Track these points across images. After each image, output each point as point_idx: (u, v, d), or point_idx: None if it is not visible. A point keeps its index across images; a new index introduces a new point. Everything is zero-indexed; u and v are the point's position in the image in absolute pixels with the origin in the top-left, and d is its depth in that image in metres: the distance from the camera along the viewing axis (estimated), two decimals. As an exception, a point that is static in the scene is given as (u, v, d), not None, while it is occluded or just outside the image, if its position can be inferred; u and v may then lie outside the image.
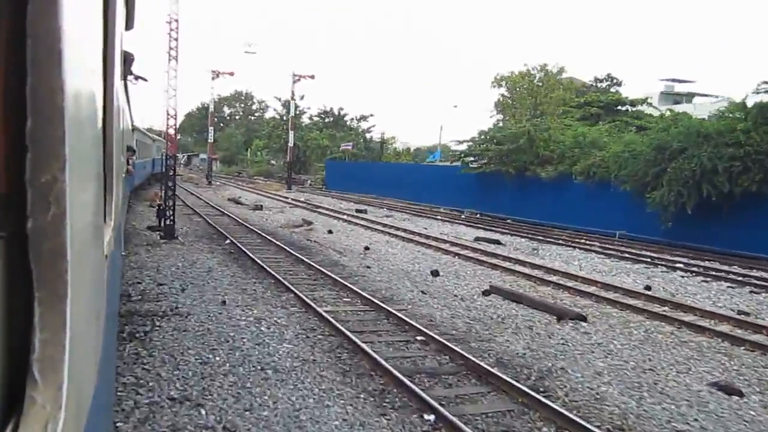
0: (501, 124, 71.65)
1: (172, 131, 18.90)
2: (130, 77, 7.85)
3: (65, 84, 0.95)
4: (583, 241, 23.92)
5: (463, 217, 34.14)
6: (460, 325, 10.57)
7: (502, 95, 53.95)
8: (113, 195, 2.90)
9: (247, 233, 21.78)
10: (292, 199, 39.79)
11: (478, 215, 35.26)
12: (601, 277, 15.64)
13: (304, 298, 11.30)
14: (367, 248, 19.51)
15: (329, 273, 14.06)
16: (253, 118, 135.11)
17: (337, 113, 68.98)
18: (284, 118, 78.80)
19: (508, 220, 32.94)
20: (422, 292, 13.11)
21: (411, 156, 59.72)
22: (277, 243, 19.06)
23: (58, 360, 0.94)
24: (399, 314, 10.53)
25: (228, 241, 18.68)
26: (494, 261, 17.64)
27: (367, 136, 68.81)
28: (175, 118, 18.49)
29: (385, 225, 26.53)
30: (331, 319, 9.88)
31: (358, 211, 33.79)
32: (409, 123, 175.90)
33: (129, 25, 4.42)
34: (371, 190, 47.93)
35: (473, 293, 13.40)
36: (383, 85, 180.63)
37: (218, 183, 56.27)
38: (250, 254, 16.19)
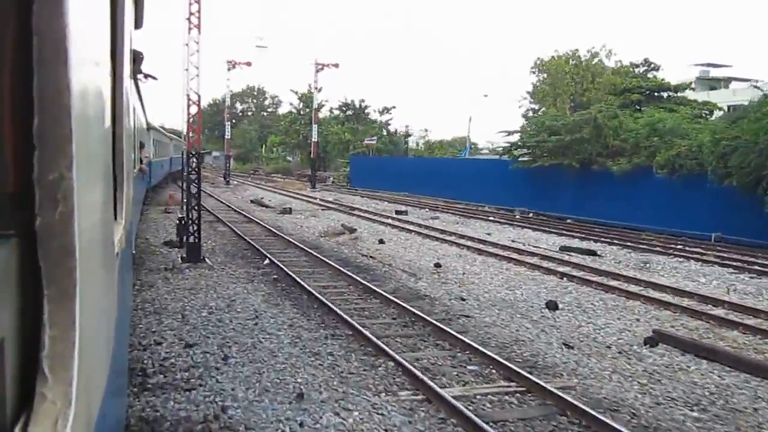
0: (537, 114, 67.61)
1: (192, 122, 15.03)
2: (139, 76, 7.35)
3: (72, 82, 0.96)
4: (698, 250, 19.61)
5: (517, 217, 30.09)
6: (675, 418, 6.59)
7: (541, 82, 49.66)
8: (123, 193, 2.83)
9: (285, 247, 17.91)
10: (321, 200, 35.90)
11: (530, 214, 31.22)
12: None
13: (413, 369, 7.36)
14: (438, 266, 15.57)
15: (421, 313, 10.13)
16: (266, 113, 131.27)
17: (358, 106, 64.89)
18: (301, 112, 74.99)
19: (568, 220, 28.87)
20: (565, 344, 9.12)
21: (444, 150, 55.53)
22: (328, 261, 15.17)
23: (68, 357, 0.94)
24: (574, 401, 6.56)
25: (267, 261, 14.80)
26: (613, 283, 13.62)
27: (390, 129, 64.75)
28: (199, 105, 14.58)
29: (438, 230, 22.57)
30: (482, 424, 5.93)
31: (398, 212, 29.86)
32: (434, 115, 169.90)
33: (138, 24, 4.27)
34: (402, 187, 43.93)
35: (627, 341, 9.44)
36: (405, 75, 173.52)
37: (235, 182, 52.47)
38: (302, 282, 12.31)
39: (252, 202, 33.42)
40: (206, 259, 13.97)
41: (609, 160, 27.25)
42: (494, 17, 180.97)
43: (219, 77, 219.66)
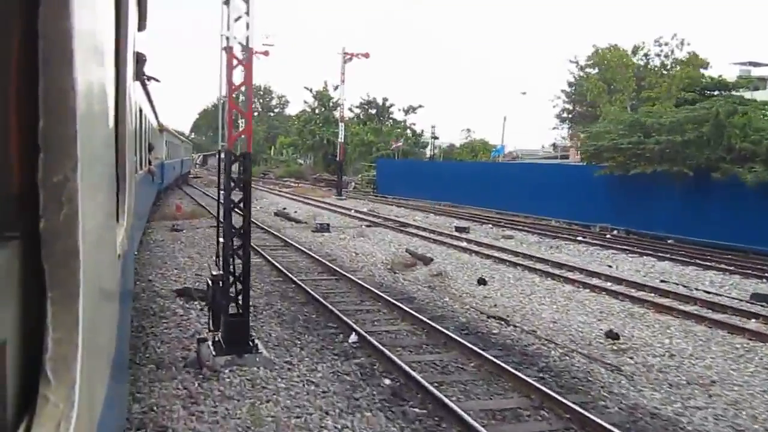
0: (574, 114, 61.95)
1: (238, 100, 9.11)
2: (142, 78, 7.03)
3: (77, 84, 0.96)
4: None
5: (608, 236, 24.28)
6: None
7: (587, 78, 43.88)
8: (126, 195, 2.84)
9: (359, 294, 12.11)
10: (356, 211, 30.09)
11: (614, 232, 25.43)
12: None
13: None
14: (613, 336, 9.76)
15: None
16: (273, 114, 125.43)
17: (381, 104, 58.99)
18: (316, 110, 69.28)
19: (669, 240, 23.10)
20: None
21: (486, 153, 49.58)
22: (446, 331, 9.34)
23: (71, 359, 0.94)
24: None
25: (356, 339, 8.90)
26: None
27: (415, 129, 58.98)
28: (250, 67, 8.67)
29: (540, 260, 16.76)
30: None
31: (459, 229, 24.06)
32: (463, 115, 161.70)
33: (141, 26, 4.27)
34: (441, 194, 38.11)
35: None
36: (429, 73, 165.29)
37: (248, 188, 46.63)
38: (452, 405, 6.45)
39: (276, 215, 27.57)
40: (257, 345, 7.84)
41: (736, 167, 21.41)
42: (515, 17, 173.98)
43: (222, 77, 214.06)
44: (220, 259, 8.57)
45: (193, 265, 14.64)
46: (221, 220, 8.84)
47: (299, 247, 17.97)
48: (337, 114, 69.79)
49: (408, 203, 37.57)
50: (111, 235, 1.86)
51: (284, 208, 30.84)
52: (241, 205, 8.65)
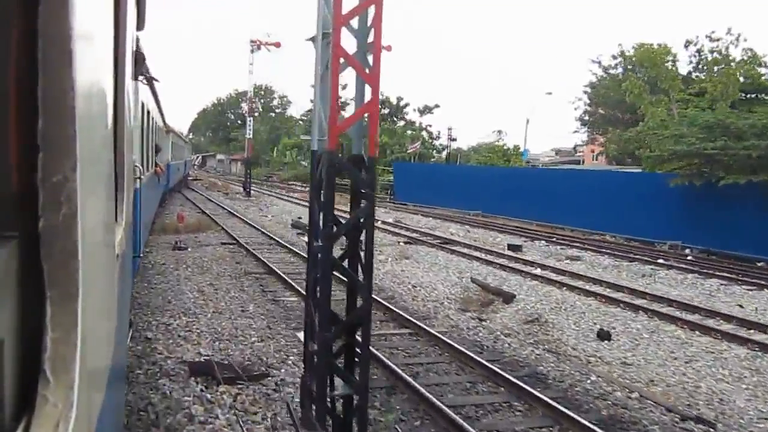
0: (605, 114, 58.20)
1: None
2: (140, 78, 6.53)
3: (76, 84, 0.96)
4: None
5: (689, 257, 20.56)
6: None
7: (631, 76, 40.18)
8: (124, 194, 2.82)
9: (459, 366, 8.27)
10: (381, 222, 26.29)
11: (687, 251, 21.75)
12: None
13: None
14: None
15: None
16: (274, 114, 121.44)
17: (395, 103, 55.11)
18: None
19: (760, 264, 19.46)
20: None
21: (518, 156, 45.53)
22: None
23: (70, 359, 0.93)
24: None
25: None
26: None
27: (431, 131, 55.21)
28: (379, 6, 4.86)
29: (646, 296, 13.02)
30: None
31: (512, 247, 20.31)
32: (480, 116, 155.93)
33: (140, 25, 4.21)
34: (469, 203, 34.39)
35: None
36: (446, 70, 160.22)
37: (253, 190, 42.61)
38: None
39: (294, 226, 23.70)
40: None
41: None
42: (531, 15, 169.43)
43: (221, 76, 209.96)
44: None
45: (206, 305, 10.80)
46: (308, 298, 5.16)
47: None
48: (344, 113, 66.12)
49: (434, 212, 33.80)
50: (110, 234, 1.85)
51: (300, 218, 27.00)
52: (355, 265, 4.94)
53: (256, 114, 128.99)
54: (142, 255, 10.40)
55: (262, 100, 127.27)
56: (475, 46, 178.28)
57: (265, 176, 69.06)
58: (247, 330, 9.31)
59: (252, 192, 39.86)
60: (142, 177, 7.26)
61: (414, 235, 22.54)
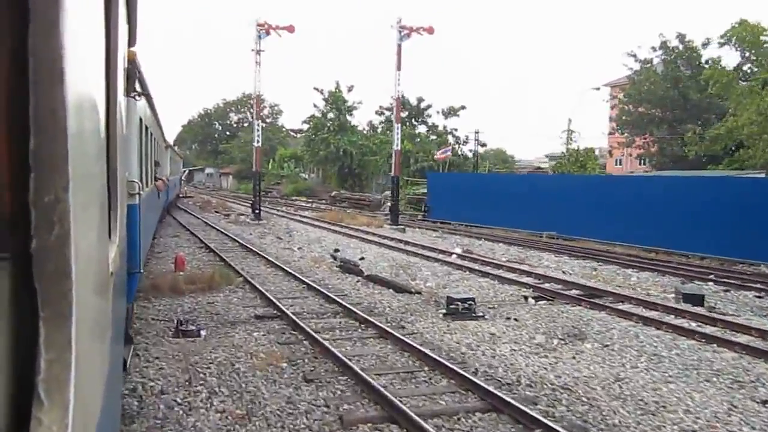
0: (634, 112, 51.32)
1: None
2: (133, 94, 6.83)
3: (68, 103, 0.95)
4: None
5: None
6: None
7: (713, 67, 33.54)
8: (117, 211, 2.77)
9: None
10: (456, 256, 19.12)
11: None
12: None
13: None
14: None
15: None
16: (265, 124, 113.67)
17: (415, 105, 47.96)
18: (328, 115, 58.32)
19: None
20: None
21: (593, 162, 38.03)
22: None
23: (64, 380, 0.92)
24: None
25: None
26: None
27: (458, 135, 48.13)
28: None
29: None
30: None
31: (687, 298, 13.20)
32: (505, 119, 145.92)
33: (132, 42, 4.31)
34: (535, 221, 27.39)
35: None
36: (471, 70, 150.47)
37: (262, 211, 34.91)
38: None
39: (343, 269, 16.36)
40: None
41: None
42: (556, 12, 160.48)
43: (208, 87, 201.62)
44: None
45: None
46: None
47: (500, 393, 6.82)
48: (350, 118, 58.90)
49: (493, 234, 26.76)
50: (103, 252, 1.82)
51: (337, 250, 19.83)
52: None
53: (246, 124, 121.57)
54: (142, 271, 9.23)
55: (251, 110, 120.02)
56: (499, 46, 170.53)
57: (263, 191, 61.40)
58: None
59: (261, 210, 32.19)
60: (141, 193, 7.38)
61: (525, 278, 15.35)
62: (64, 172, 0.93)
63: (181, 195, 48.24)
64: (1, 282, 0.87)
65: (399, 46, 28.09)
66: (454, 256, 18.91)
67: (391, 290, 13.53)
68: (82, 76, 1.21)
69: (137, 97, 7.48)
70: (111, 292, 2.10)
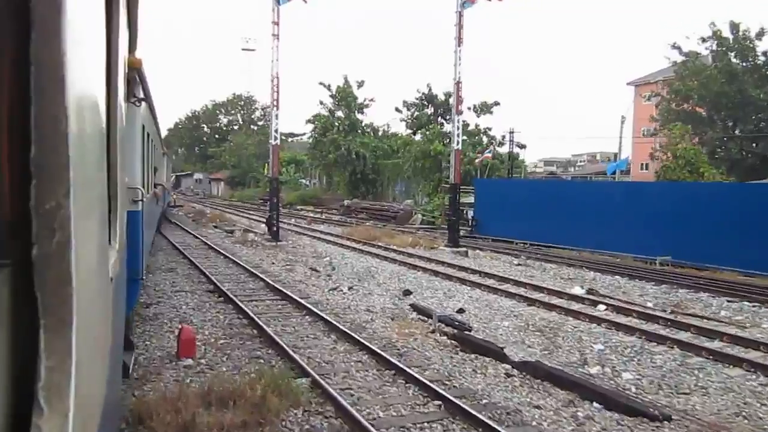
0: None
1: None
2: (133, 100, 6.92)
3: (69, 110, 0.95)
4: None
5: None
6: None
7: None
8: (117, 217, 2.73)
9: None
10: (560, 294, 12.75)
11: None
12: None
13: None
14: None
15: None
16: (256, 127, 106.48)
17: (443, 100, 41.57)
18: (336, 114, 51.67)
19: None
20: None
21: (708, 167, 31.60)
22: None
23: (64, 387, 0.92)
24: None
25: None
26: None
27: (492, 134, 41.80)
28: None
29: None
30: None
31: None
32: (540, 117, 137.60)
33: (133, 48, 4.24)
34: (634, 242, 20.99)
35: None
36: (501, 64, 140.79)
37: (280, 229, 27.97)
38: None
39: (458, 340, 9.85)
40: None
41: None
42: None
43: (196, 88, 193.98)
44: None
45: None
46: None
47: None
48: (361, 117, 52.22)
49: (582, 257, 20.41)
50: (104, 259, 1.80)
51: (407, 292, 13.40)
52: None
53: (236, 127, 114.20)
54: (144, 278, 8.97)
55: (242, 111, 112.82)
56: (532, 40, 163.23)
57: (261, 199, 54.46)
58: None
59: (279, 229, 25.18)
60: (144, 199, 7.33)
61: (751, 355, 8.94)
62: (65, 179, 0.93)
63: (170, 204, 41.46)
64: (2, 289, 0.86)
65: (459, 14, 21.64)
66: (602, 307, 12.41)
67: (610, 412, 6.96)
68: (84, 82, 1.21)
69: (137, 103, 7.34)
70: (111, 299, 2.07)
